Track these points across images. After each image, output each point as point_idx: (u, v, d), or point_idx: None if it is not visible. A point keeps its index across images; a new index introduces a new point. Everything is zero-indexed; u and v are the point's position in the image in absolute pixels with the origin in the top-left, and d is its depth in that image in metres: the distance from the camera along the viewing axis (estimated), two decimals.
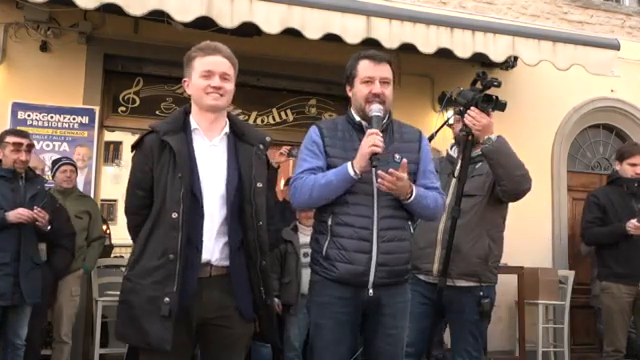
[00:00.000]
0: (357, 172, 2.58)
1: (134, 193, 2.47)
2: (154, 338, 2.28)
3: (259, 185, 2.46)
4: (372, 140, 2.55)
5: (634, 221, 4.30)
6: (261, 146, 2.54)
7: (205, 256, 2.38)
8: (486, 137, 3.17)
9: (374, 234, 2.63)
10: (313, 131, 2.80)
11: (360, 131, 2.72)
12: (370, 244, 2.62)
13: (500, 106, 3.21)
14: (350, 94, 2.81)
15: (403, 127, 2.85)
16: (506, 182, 3.19)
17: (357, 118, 2.76)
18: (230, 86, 2.50)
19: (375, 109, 2.67)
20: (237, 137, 2.54)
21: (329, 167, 2.68)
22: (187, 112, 2.54)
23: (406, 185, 2.61)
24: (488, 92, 3.21)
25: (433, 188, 2.79)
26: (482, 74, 3.21)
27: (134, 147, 2.49)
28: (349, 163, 2.60)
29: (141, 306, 2.31)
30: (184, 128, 2.47)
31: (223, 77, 2.47)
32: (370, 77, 2.72)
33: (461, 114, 3.25)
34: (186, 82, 2.54)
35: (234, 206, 2.43)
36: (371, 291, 2.63)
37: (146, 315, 2.29)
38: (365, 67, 2.75)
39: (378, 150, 2.54)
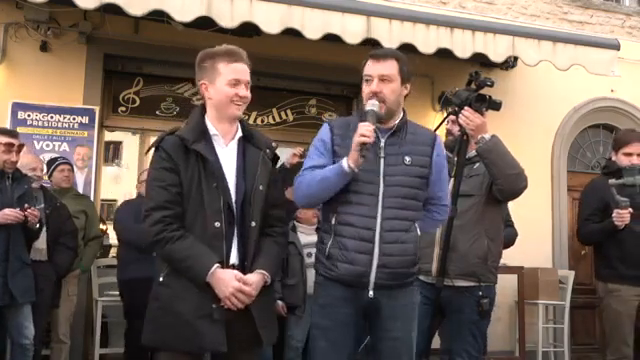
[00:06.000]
0: (351, 166, 2.53)
1: (163, 188, 2.40)
2: (208, 342, 2.35)
3: (260, 188, 2.49)
4: (361, 130, 2.50)
5: (617, 209, 3.94)
6: (268, 151, 2.58)
7: (232, 260, 2.44)
8: (480, 136, 3.17)
9: (377, 235, 2.59)
10: (323, 129, 2.76)
11: None
12: (372, 245, 2.59)
13: (494, 105, 3.22)
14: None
15: (418, 129, 2.78)
16: (501, 181, 3.19)
17: None
18: (250, 94, 2.54)
19: (369, 104, 2.64)
20: (246, 140, 2.57)
21: None
22: (203, 115, 2.56)
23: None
24: (482, 92, 3.21)
25: (439, 205, 2.82)
26: (475, 74, 3.22)
27: (154, 147, 2.48)
28: (345, 158, 2.55)
29: (190, 312, 2.36)
30: (204, 133, 2.50)
31: (247, 85, 2.51)
32: (369, 75, 2.70)
33: (456, 114, 3.27)
34: (205, 85, 2.52)
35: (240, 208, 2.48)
36: (371, 292, 2.60)
37: (198, 320, 2.35)
38: (366, 66, 2.72)
39: (367, 140, 2.49)
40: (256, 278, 2.42)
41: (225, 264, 2.40)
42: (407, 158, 2.65)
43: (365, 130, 2.50)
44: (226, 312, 2.39)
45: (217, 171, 2.41)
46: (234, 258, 2.44)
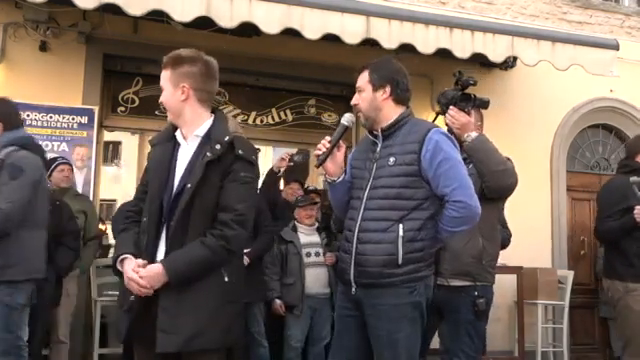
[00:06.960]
0: (327, 177, 2.84)
1: (137, 187, 2.67)
2: (122, 331, 2.48)
3: (187, 186, 2.42)
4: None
5: (639, 206, 3.95)
6: (217, 146, 2.43)
7: (159, 257, 2.44)
8: (466, 135, 3.20)
9: (354, 235, 2.70)
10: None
11: (372, 142, 2.83)
12: (351, 245, 2.71)
13: (482, 104, 3.26)
14: None
15: (415, 127, 2.74)
16: (488, 178, 3.21)
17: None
18: (164, 95, 2.58)
19: (343, 117, 2.85)
20: (209, 137, 2.52)
21: (351, 176, 2.86)
22: None
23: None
24: (469, 91, 3.25)
25: (451, 201, 2.61)
26: (458, 73, 3.27)
27: None
28: None
29: (121, 302, 2.58)
30: (175, 136, 2.60)
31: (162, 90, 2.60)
32: None
33: (444, 114, 3.29)
34: None
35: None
36: (354, 289, 2.70)
37: (121, 311, 2.52)
38: None
39: (318, 152, 2.78)
40: (149, 268, 2.37)
41: (150, 260, 2.41)
42: (391, 159, 2.71)
43: (320, 144, 2.78)
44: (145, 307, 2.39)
45: (153, 170, 2.54)
46: (161, 255, 2.43)
